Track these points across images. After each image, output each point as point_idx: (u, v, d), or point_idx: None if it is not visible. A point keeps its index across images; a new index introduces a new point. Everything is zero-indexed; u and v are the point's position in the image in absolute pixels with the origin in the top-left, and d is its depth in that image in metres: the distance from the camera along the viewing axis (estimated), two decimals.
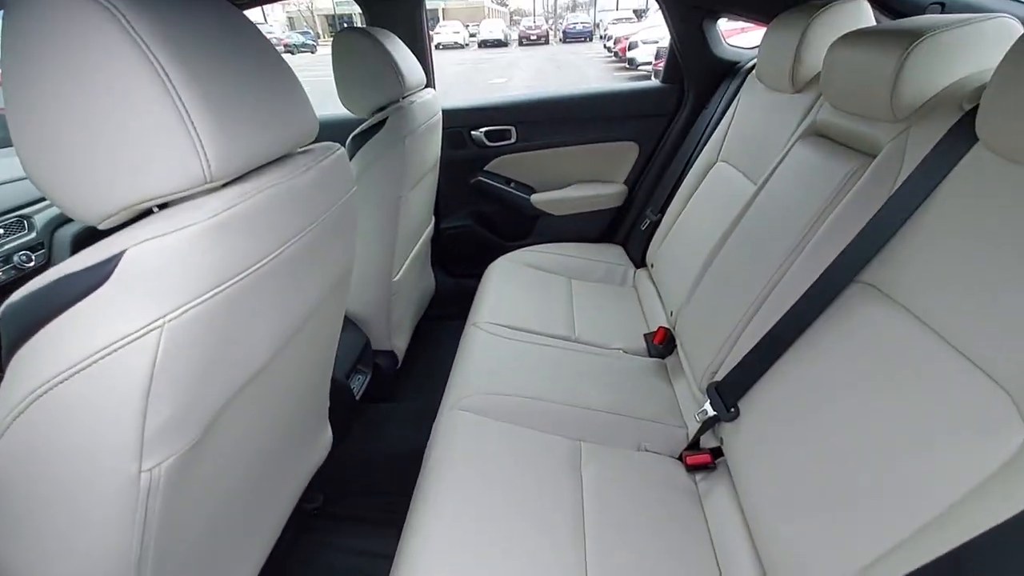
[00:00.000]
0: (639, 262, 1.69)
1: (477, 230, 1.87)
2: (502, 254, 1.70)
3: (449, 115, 1.72)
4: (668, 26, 1.53)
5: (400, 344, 1.48)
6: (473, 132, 1.73)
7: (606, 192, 1.78)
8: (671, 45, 1.58)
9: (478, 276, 1.65)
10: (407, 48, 1.32)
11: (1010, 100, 0.54)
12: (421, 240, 1.55)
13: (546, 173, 1.80)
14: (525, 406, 1.03)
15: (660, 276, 1.50)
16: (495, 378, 1.08)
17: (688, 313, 1.19)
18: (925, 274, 0.66)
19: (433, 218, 1.71)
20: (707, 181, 1.43)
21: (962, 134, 0.66)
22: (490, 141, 1.74)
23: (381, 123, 1.16)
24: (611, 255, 1.74)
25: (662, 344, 1.26)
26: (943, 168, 0.67)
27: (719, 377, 0.95)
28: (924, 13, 1.24)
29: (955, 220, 0.64)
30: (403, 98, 1.22)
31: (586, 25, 23.77)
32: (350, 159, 1.18)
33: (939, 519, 0.51)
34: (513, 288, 1.50)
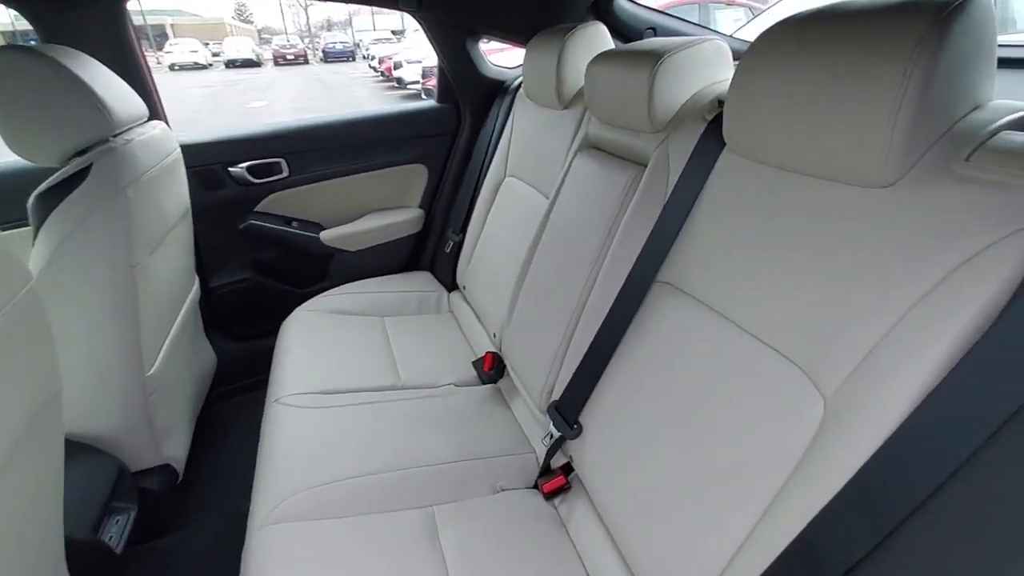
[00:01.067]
0: (450, 285, 1.63)
1: (260, 281, 1.59)
2: (299, 304, 1.47)
3: (196, 151, 1.41)
4: (436, 51, 1.50)
5: (177, 452, 1.15)
6: (232, 169, 1.46)
7: (403, 219, 1.68)
8: (440, 66, 1.57)
9: (274, 332, 1.40)
10: (113, 73, 1.02)
11: (744, 111, 0.62)
12: (183, 311, 1.23)
13: (333, 206, 1.62)
14: (359, 488, 0.87)
15: (475, 297, 1.47)
16: (313, 466, 0.89)
17: (511, 333, 1.17)
18: (707, 268, 0.73)
19: (196, 279, 1.38)
20: (500, 197, 1.45)
21: (710, 142, 0.75)
22: (256, 177, 1.49)
23: (83, 172, 0.86)
24: (421, 283, 1.65)
25: (492, 370, 1.22)
26: (702, 173, 0.75)
27: (556, 396, 0.94)
28: (642, 36, 1.46)
29: (720, 217, 0.72)
30: (114, 136, 0.93)
31: (346, 45, 23.24)
32: (37, 227, 0.85)
33: (776, 504, 0.55)
34: (318, 343, 1.30)
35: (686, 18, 1.50)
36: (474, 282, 1.48)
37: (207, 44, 25.01)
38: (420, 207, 1.72)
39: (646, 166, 0.88)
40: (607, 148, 1.01)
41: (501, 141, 1.48)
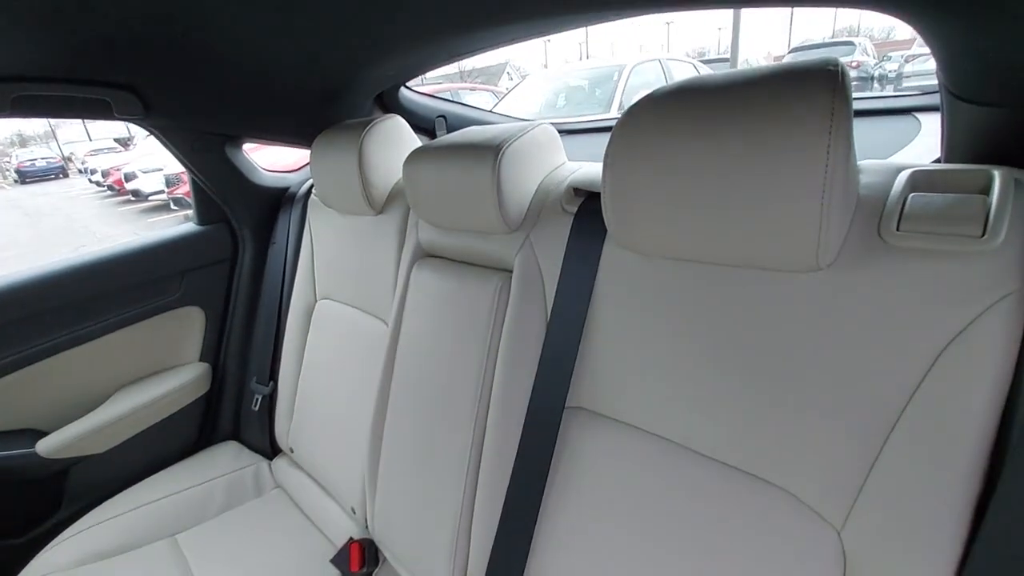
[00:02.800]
0: (270, 449, 1.24)
1: None
2: (26, 556, 0.92)
3: None
4: (184, 164, 1.16)
5: None
6: None
7: (181, 382, 1.23)
8: (194, 181, 1.22)
9: None
10: None
11: (629, 202, 0.52)
12: None
13: (57, 396, 1.09)
14: None
15: (312, 461, 1.12)
16: None
17: (382, 507, 0.88)
18: (627, 384, 0.60)
19: None
20: (316, 326, 1.16)
21: (584, 238, 0.64)
22: None
23: None
24: (226, 460, 1.22)
25: (362, 567, 0.90)
26: (586, 274, 0.63)
27: (479, 574, 0.69)
28: (434, 123, 1.37)
29: (624, 323, 0.60)
30: None
31: (51, 160, 19.09)
32: None
33: None
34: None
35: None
36: (307, 442, 1.13)
37: None
38: (203, 360, 1.29)
39: (509, 271, 0.73)
40: (451, 255, 0.84)
41: (301, 258, 1.20)
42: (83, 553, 0.95)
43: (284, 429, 1.18)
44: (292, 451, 1.17)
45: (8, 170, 20.16)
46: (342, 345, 1.09)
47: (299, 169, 1.37)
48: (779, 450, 0.48)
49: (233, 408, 1.30)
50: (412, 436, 0.84)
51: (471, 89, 6.22)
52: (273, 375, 1.22)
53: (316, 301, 1.17)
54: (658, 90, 0.50)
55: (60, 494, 1.10)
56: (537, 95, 4.35)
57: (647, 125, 0.49)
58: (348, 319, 1.08)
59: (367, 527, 0.94)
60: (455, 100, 1.46)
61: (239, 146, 1.23)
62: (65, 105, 0.84)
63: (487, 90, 6.35)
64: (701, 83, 0.48)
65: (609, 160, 0.52)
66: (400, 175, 0.98)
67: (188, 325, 1.26)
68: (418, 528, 0.80)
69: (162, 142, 1.11)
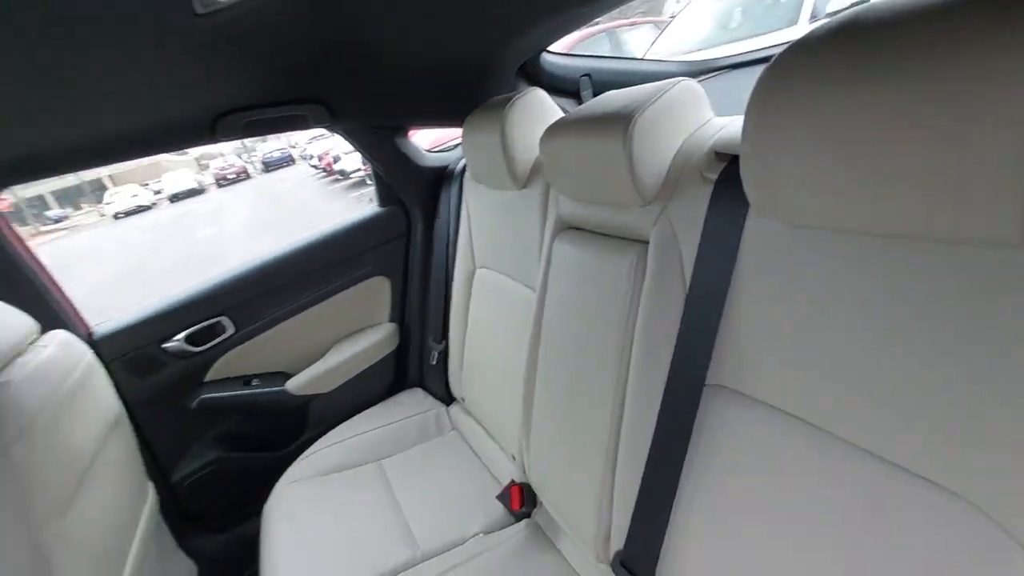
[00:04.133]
0: (447, 398, 1.43)
1: (231, 458, 1.36)
2: (282, 469, 1.25)
3: (119, 337, 1.22)
4: (364, 156, 1.37)
5: None
6: (167, 345, 1.26)
7: (376, 339, 1.49)
8: (374, 169, 1.43)
9: (259, 512, 1.18)
10: None
11: (779, 165, 0.46)
12: (137, 538, 1.00)
13: (296, 348, 1.43)
14: None
15: (479, 409, 1.27)
16: None
17: (537, 459, 0.97)
18: (769, 364, 0.56)
19: (151, 485, 1.16)
20: (477, 291, 1.28)
21: (724, 207, 0.60)
22: (197, 345, 1.29)
23: None
24: (413, 404, 1.45)
25: (522, 507, 1.01)
26: (728, 246, 0.59)
27: (619, 544, 0.74)
28: (579, 86, 1.35)
29: (775, 298, 0.55)
30: None
31: (283, 151, 23.59)
32: None
33: None
34: (309, 525, 1.08)
35: (599, 53, 1.41)
36: (474, 392, 1.28)
37: (146, 184, 25.14)
38: (391, 321, 1.53)
39: (646, 243, 0.72)
40: (590, 227, 0.86)
41: (461, 230, 1.32)
42: (317, 468, 1.25)
43: (456, 379, 1.35)
44: (463, 400, 1.34)
45: (257, 162, 25.52)
46: (498, 309, 1.19)
47: (456, 147, 1.48)
48: (956, 450, 0.41)
49: (417, 361, 1.53)
50: (558, 399, 0.90)
51: (631, 25, 5.80)
52: (445, 334, 1.39)
53: (475, 269, 1.29)
54: (810, 33, 0.44)
55: (303, 423, 1.45)
56: (707, 15, 3.83)
57: (798, 73, 0.43)
58: (502, 286, 1.17)
59: (526, 476, 1.05)
60: (599, 55, 1.41)
61: (405, 135, 1.39)
62: (273, 124, 1.06)
63: (649, 22, 5.86)
64: (865, 18, 0.40)
65: (750, 118, 0.47)
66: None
67: (379, 292, 1.50)
68: (566, 485, 0.87)
69: (347, 140, 1.31)
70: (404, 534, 1.04)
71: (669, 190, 0.68)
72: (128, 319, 1.24)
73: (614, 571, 0.74)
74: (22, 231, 1.18)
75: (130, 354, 1.22)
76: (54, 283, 1.18)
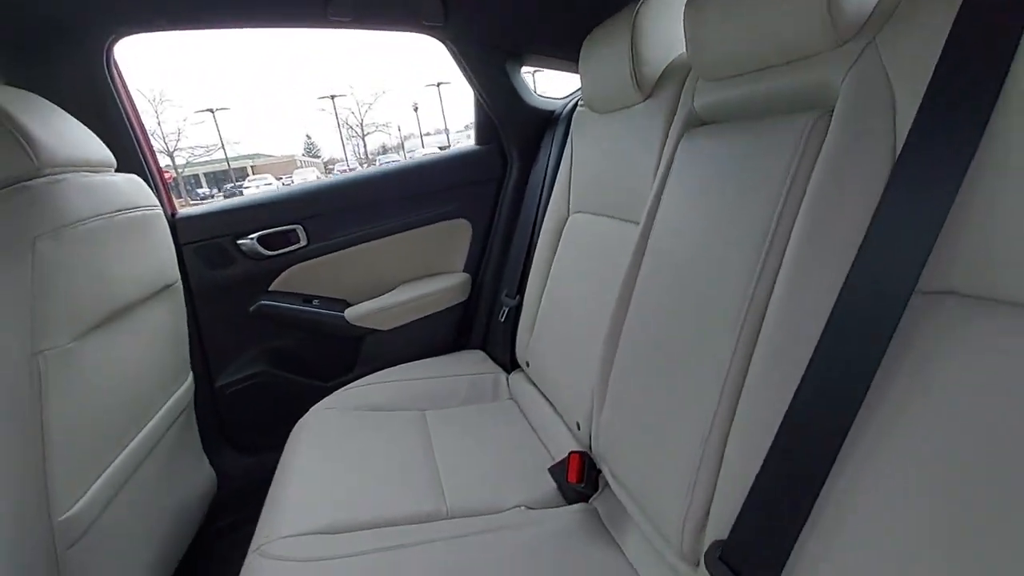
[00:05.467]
0: (509, 364, 1.26)
1: (276, 376, 1.28)
2: (325, 396, 1.14)
3: (198, 223, 1.20)
4: (471, 81, 1.27)
5: None
6: (241, 241, 1.22)
7: (445, 286, 1.37)
8: (478, 102, 1.33)
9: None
10: (74, 119, 0.82)
11: None
12: (156, 420, 0.92)
13: (362, 278, 1.34)
14: None
15: (544, 376, 1.08)
16: None
17: (612, 421, 0.76)
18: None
19: (190, 376, 1.09)
20: (566, 241, 1.11)
21: (978, 37, 0.39)
22: (269, 249, 1.24)
23: None
24: (471, 364, 1.29)
25: (581, 480, 0.80)
26: (978, 101, 0.38)
27: (719, 533, 0.51)
28: None
29: None
30: (42, 175, 0.69)
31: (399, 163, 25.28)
32: None
33: None
34: (333, 455, 0.94)
35: None
36: (542, 356, 1.10)
37: (280, 178, 28.13)
38: (464, 271, 1.40)
39: (826, 110, 0.51)
40: (737, 115, 0.66)
41: (559, 176, 1.17)
42: (356, 402, 1.13)
43: (524, 342, 1.18)
44: (528, 364, 1.16)
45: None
46: (588, 257, 1.01)
47: (570, 95, 1.35)
48: None
49: (484, 319, 1.38)
50: (652, 347, 0.70)
51: None
52: (521, 289, 1.23)
53: (568, 216, 1.13)
54: None
55: (354, 357, 1.34)
56: None
57: None
58: (598, 229, 1.00)
59: (590, 446, 0.84)
60: None
61: (518, 67, 1.28)
62: (384, 11, 0.98)
63: None
64: None
65: None
66: (673, 56, 0.85)
67: (457, 236, 1.38)
68: (648, 454, 0.66)
69: (455, 59, 1.22)
70: (433, 487, 0.86)
71: (881, 18, 0.47)
72: (210, 208, 1.22)
73: (709, 570, 0.51)
74: (177, 201, 1.24)
75: (205, 241, 1.19)
76: (157, 166, 1.19)
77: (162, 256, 0.96)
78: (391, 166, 1.33)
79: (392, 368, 1.26)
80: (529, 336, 1.16)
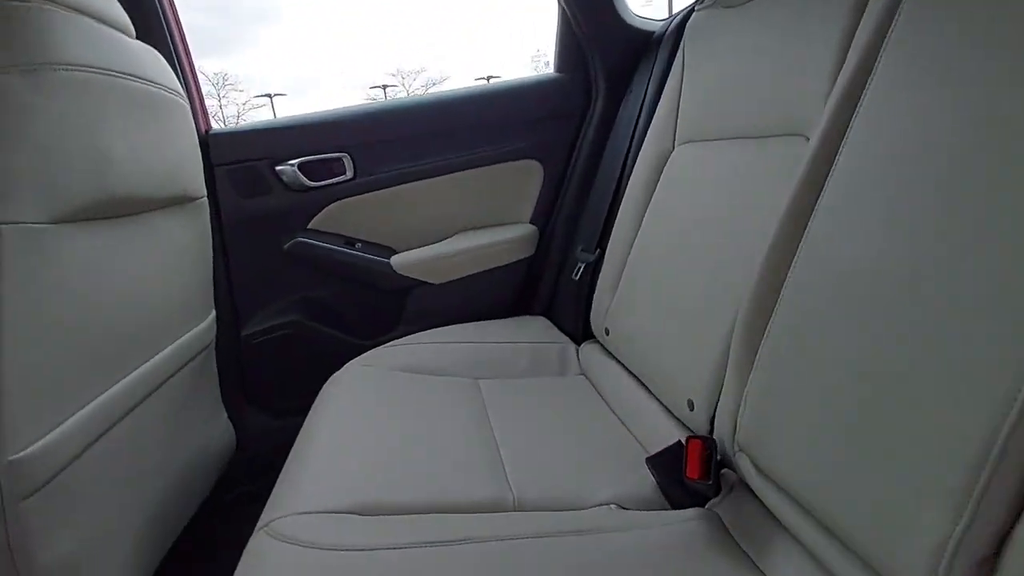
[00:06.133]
0: (580, 334, 1.05)
1: (309, 328, 1.12)
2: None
3: (232, 142, 1.04)
4: None
5: None
6: (280, 167, 1.05)
7: (508, 237, 1.16)
8: (563, 17, 1.11)
9: None
10: None
11: None
12: (163, 356, 0.76)
13: (412, 221, 1.15)
14: None
15: (631, 346, 0.86)
16: None
17: (764, 399, 0.54)
18: None
19: (212, 315, 0.93)
20: (669, 178, 0.89)
21: None
22: (312, 179, 1.07)
23: None
24: (534, 331, 1.09)
25: (705, 477, 0.58)
26: None
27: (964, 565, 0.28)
28: None
29: None
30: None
31: None
32: None
33: None
34: (366, 418, 0.76)
35: None
36: (628, 321, 0.88)
37: None
38: (531, 222, 1.20)
39: None
40: None
41: (662, 103, 0.95)
42: (400, 361, 0.94)
43: (603, 306, 0.96)
44: (607, 333, 0.94)
45: None
46: (702, 194, 0.78)
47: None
48: None
49: (551, 281, 1.17)
50: (844, 301, 0.47)
51: None
52: (602, 243, 1.01)
53: (673, 148, 0.90)
54: None
55: (400, 311, 1.16)
56: None
57: None
58: (724, 158, 0.76)
59: (711, 429, 0.62)
60: None
61: None
62: None
63: None
64: None
65: None
66: None
67: (525, 181, 1.18)
68: (843, 450, 0.43)
69: None
70: (493, 470, 0.66)
71: None
72: (247, 126, 1.06)
73: None
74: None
75: (240, 164, 1.03)
76: (195, 78, 1.04)
77: (185, 159, 0.80)
78: (454, 92, 1.13)
79: (441, 328, 1.07)
80: (611, 298, 0.95)
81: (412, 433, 0.72)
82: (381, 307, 1.15)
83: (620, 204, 0.98)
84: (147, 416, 0.73)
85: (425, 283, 1.13)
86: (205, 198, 0.88)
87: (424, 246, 1.14)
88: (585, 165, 1.13)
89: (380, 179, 1.10)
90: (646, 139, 0.96)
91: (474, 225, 1.18)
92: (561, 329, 1.10)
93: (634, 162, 0.98)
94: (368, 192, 1.10)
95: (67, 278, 0.56)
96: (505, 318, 1.15)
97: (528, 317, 1.16)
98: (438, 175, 1.12)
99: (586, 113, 1.14)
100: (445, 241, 1.15)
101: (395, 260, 1.11)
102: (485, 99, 1.13)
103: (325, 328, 1.13)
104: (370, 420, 0.75)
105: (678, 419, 0.71)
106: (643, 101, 1.02)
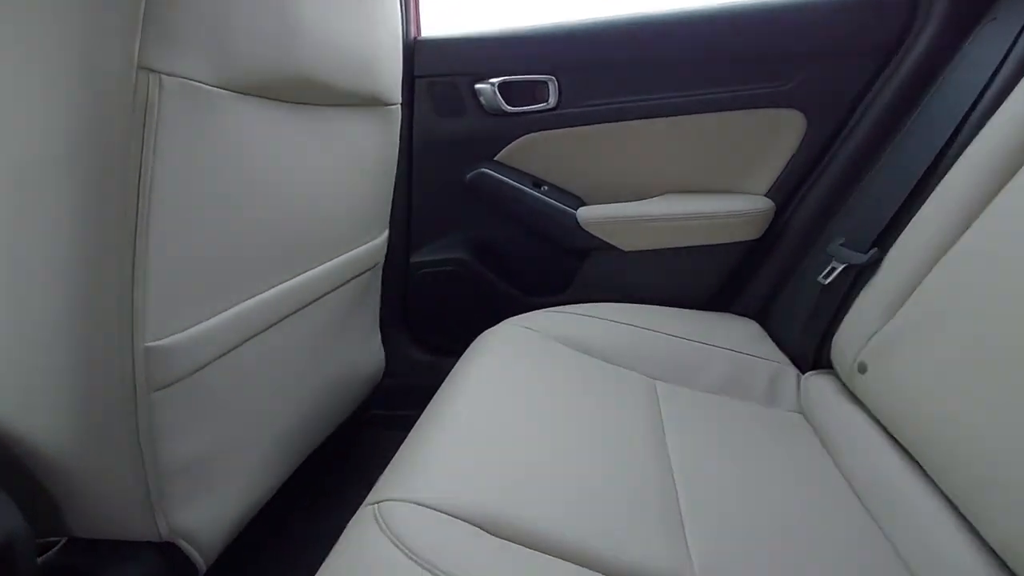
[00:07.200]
0: (809, 357, 0.76)
1: (475, 270, 1.02)
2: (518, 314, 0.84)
3: (439, 50, 0.94)
4: None
5: (219, 518, 0.58)
6: (480, 85, 0.93)
7: (729, 210, 0.90)
8: None
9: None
10: None
11: None
12: (332, 266, 0.71)
13: (610, 169, 0.95)
14: None
15: (910, 409, 0.56)
16: None
17: None
18: None
19: (385, 234, 0.88)
20: None
21: None
22: (510, 103, 0.93)
23: None
24: (737, 337, 0.83)
25: None
26: None
27: None
28: None
29: None
30: None
31: None
32: None
33: None
34: (521, 398, 0.62)
35: None
36: (918, 366, 0.57)
37: None
38: (768, 196, 0.90)
39: None
40: None
41: None
42: (570, 333, 0.78)
43: (863, 330, 0.66)
44: (863, 369, 0.64)
45: None
46: None
47: None
48: None
49: (778, 277, 0.88)
50: None
51: None
52: (880, 242, 0.69)
53: None
54: None
55: (574, 273, 0.99)
56: None
57: None
58: None
59: None
60: None
61: None
62: None
63: None
64: None
65: None
66: None
67: (774, 138, 0.88)
68: None
69: None
70: (668, 522, 0.47)
71: None
72: (453, 36, 0.95)
73: None
74: None
75: (442, 78, 0.94)
76: None
77: (386, 58, 0.71)
78: (700, 9, 0.87)
79: (619, 304, 0.87)
80: (883, 322, 0.64)
81: (568, 436, 0.56)
82: (555, 263, 0.99)
83: (931, 192, 0.65)
84: (302, 326, 0.69)
85: (612, 247, 0.94)
86: (399, 106, 0.80)
87: (619, 202, 0.94)
88: (876, 124, 0.79)
89: (586, 113, 0.91)
90: (1008, 101, 0.59)
91: (688, 187, 0.94)
92: (778, 343, 0.82)
93: (973, 134, 0.62)
94: (568, 127, 0.92)
95: (237, 158, 0.50)
96: (705, 311, 0.90)
97: (733, 316, 0.90)
98: (656, 116, 0.89)
99: (898, 47, 0.78)
100: (646, 201, 0.93)
101: (582, 213, 0.93)
102: (741, 20, 0.85)
103: (490, 274, 1.01)
104: (520, 402, 0.60)
105: (988, 547, 0.42)
106: (1016, 39, 0.64)
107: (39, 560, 0.52)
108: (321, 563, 0.41)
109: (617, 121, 0.90)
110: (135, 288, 0.43)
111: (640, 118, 0.90)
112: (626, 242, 0.93)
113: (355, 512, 0.45)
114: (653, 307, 0.87)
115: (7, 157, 0.40)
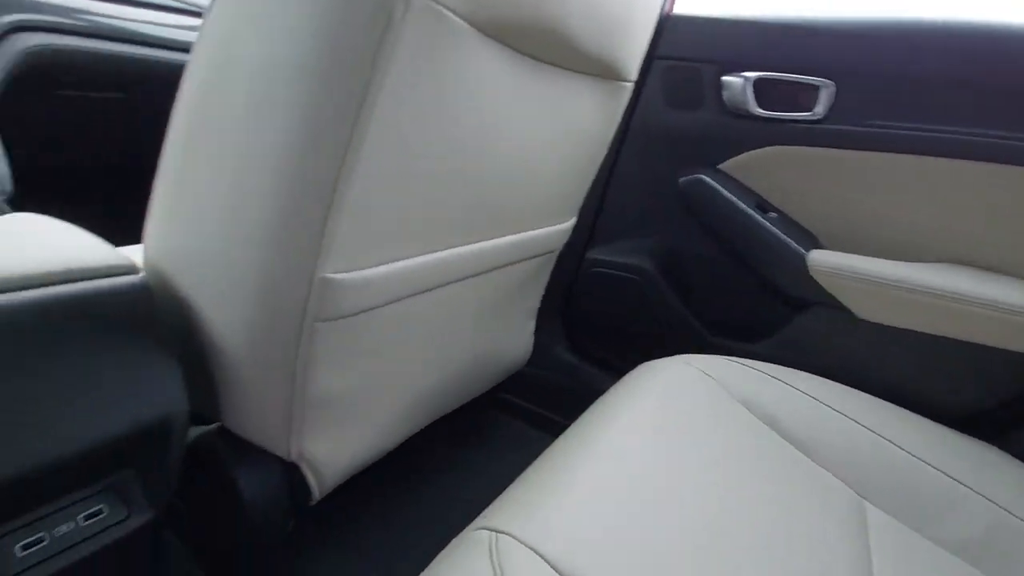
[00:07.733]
0: None
1: (655, 283, 0.89)
2: (694, 352, 0.70)
3: (688, 30, 0.81)
4: None
5: (340, 453, 0.58)
6: (728, 78, 0.78)
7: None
8: None
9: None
10: None
11: None
12: (513, 240, 0.65)
13: (870, 213, 0.74)
14: None
15: None
16: None
17: None
18: None
19: (573, 221, 0.80)
20: None
21: None
22: (762, 104, 0.77)
23: None
24: (988, 472, 0.59)
25: None
26: None
27: None
28: None
29: None
30: None
31: None
32: None
33: None
34: (676, 464, 0.49)
35: None
36: None
37: None
38: None
39: None
40: None
41: None
42: (755, 396, 0.62)
43: None
44: None
45: None
46: None
47: None
48: None
49: None
50: None
51: None
52: None
53: None
54: None
55: (779, 323, 0.80)
56: None
57: None
58: None
59: None
60: None
61: None
62: None
63: None
64: None
65: None
66: None
67: None
68: None
69: None
70: None
71: None
72: (709, 16, 0.81)
73: None
74: None
75: (684, 63, 0.81)
76: None
77: (632, 29, 0.61)
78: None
79: (834, 384, 0.68)
80: None
81: (739, 537, 0.42)
82: (759, 305, 0.82)
83: None
84: (466, 294, 0.65)
85: (842, 308, 0.74)
86: (631, 86, 0.70)
87: (871, 257, 0.73)
88: None
89: (865, 135, 0.71)
90: None
91: (981, 261, 0.68)
92: None
93: None
94: (831, 147, 0.73)
95: (464, 102, 0.45)
96: (960, 432, 0.66)
97: (1006, 456, 0.64)
98: (968, 157, 0.66)
99: None
100: (919, 265, 0.71)
101: (815, 257, 0.74)
102: None
103: (672, 294, 0.88)
104: (688, 470, 0.48)
105: None
106: None
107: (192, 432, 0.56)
108: (418, 546, 0.36)
109: (906, 153, 0.69)
110: (329, 216, 0.41)
111: (941, 155, 0.67)
112: (864, 307, 0.72)
113: (464, 504, 0.39)
114: (881, 402, 0.66)
115: (250, 56, 0.40)
